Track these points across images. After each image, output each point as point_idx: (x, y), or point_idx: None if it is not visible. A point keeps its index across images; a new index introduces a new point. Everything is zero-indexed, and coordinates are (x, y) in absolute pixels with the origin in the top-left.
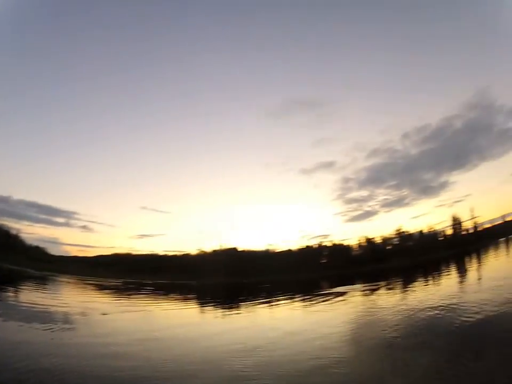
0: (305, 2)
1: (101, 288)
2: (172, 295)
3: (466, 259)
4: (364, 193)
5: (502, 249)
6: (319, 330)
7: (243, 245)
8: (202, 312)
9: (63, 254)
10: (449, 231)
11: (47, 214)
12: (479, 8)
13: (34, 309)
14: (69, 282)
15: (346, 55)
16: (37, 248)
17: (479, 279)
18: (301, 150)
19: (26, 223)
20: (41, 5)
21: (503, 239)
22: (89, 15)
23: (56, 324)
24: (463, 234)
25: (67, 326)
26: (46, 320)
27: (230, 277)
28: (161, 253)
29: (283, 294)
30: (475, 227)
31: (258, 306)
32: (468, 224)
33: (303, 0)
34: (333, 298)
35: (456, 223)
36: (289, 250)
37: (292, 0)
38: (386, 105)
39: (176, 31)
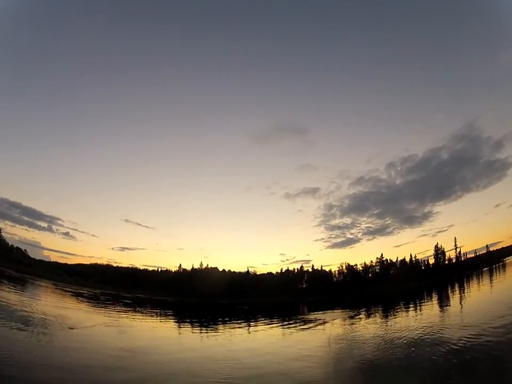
0: (293, 32)
1: (78, 296)
2: (148, 310)
3: (449, 288)
4: (347, 220)
5: (485, 279)
6: (297, 352)
7: (224, 265)
8: (177, 329)
9: (43, 259)
10: (432, 261)
11: (30, 216)
12: (470, 41)
13: (10, 308)
14: (47, 287)
15: (334, 84)
16: (17, 249)
17: (460, 309)
18: (285, 175)
19: (9, 223)
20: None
21: (486, 268)
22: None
23: (29, 326)
24: (446, 263)
25: (39, 329)
26: (19, 321)
27: (209, 297)
28: (141, 267)
29: (262, 316)
30: (458, 257)
31: (235, 327)
32: (451, 254)
33: (291, 29)
34: (312, 322)
35: (439, 252)
36: (270, 274)
37: (280, 28)
38: (372, 134)
39: (165, 56)
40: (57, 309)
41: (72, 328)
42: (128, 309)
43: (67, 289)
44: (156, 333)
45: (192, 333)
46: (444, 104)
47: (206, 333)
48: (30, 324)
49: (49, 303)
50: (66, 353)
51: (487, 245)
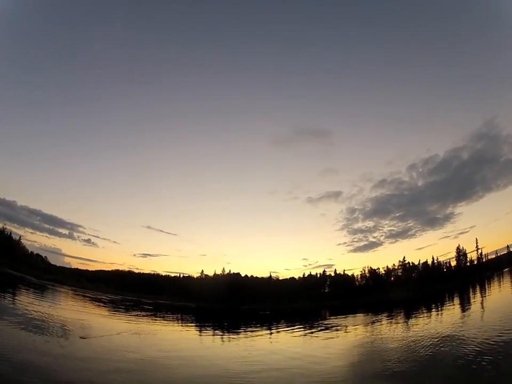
0: (314, 36)
1: (99, 302)
2: (170, 316)
3: (471, 290)
4: (369, 223)
5: (507, 280)
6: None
7: (246, 270)
8: (200, 335)
9: (64, 265)
10: (454, 262)
11: (51, 223)
12: (489, 39)
13: (29, 316)
14: (67, 293)
15: (355, 86)
16: (38, 256)
17: (482, 311)
18: (308, 179)
19: (29, 230)
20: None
21: (507, 269)
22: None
23: (50, 335)
24: (468, 265)
25: (59, 338)
26: (40, 330)
27: (231, 302)
28: (163, 273)
29: (284, 322)
30: (480, 258)
31: (257, 333)
32: (472, 255)
33: (312, 33)
34: (335, 327)
35: (461, 254)
36: (292, 278)
37: (301, 33)
38: (394, 136)
39: (188, 62)
40: (73, 315)
41: (84, 338)
42: (150, 314)
43: (88, 294)
44: (180, 341)
45: (213, 340)
46: (462, 102)
47: (228, 338)
48: (43, 330)
49: (66, 309)
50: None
51: (507, 246)
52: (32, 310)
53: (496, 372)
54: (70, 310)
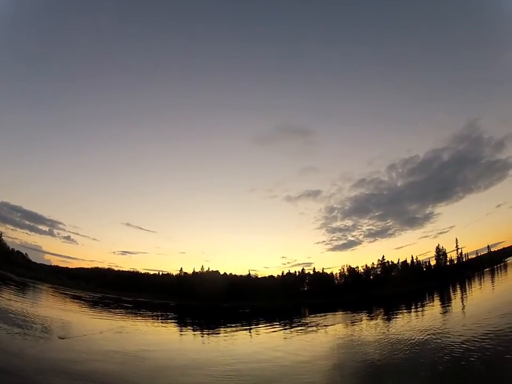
0: (295, 33)
1: (79, 300)
2: (149, 314)
3: (450, 289)
4: (348, 222)
5: (487, 279)
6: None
7: (225, 268)
8: (179, 333)
9: (44, 263)
10: (434, 262)
11: (31, 220)
12: (475, 44)
13: (9, 313)
14: (48, 291)
15: (336, 85)
16: (18, 253)
17: (462, 310)
18: (287, 177)
19: (10, 227)
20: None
21: (488, 269)
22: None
23: (30, 330)
24: (448, 264)
25: (39, 335)
26: (20, 326)
27: (210, 300)
28: (142, 271)
29: (263, 320)
30: (460, 257)
31: (237, 331)
32: (452, 255)
33: (293, 30)
34: (314, 325)
35: (441, 253)
36: (271, 277)
37: (282, 30)
38: (374, 136)
39: (168, 60)
40: (54, 313)
41: (63, 338)
42: (130, 312)
43: (68, 292)
44: (160, 338)
45: (191, 338)
46: (445, 104)
47: (207, 335)
48: (23, 327)
49: (47, 307)
50: None
51: (488, 246)
52: (12, 307)
53: (485, 367)
54: (51, 307)
